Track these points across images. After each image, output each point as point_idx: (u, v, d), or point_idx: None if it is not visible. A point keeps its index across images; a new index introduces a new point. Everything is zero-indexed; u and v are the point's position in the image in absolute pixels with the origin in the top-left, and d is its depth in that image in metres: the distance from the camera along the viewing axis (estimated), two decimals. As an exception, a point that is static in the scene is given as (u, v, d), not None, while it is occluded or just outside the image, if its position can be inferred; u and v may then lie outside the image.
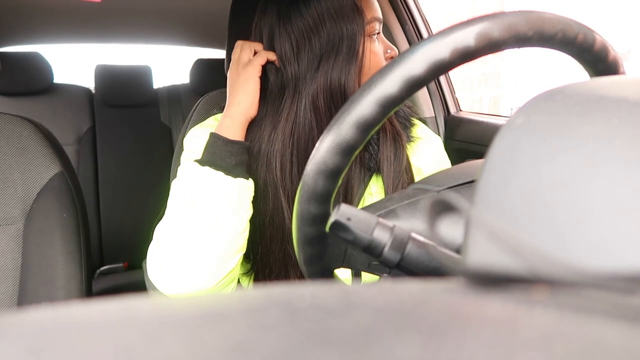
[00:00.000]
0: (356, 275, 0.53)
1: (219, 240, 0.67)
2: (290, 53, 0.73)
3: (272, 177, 0.74)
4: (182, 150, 0.80)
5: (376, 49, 0.75)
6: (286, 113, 0.74)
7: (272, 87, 0.76)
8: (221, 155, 0.69)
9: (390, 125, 0.79)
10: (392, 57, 0.77)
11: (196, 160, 0.69)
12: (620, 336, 0.13)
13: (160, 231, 0.69)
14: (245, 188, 0.69)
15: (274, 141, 0.74)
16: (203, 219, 0.67)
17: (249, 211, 0.71)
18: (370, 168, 0.77)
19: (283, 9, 0.73)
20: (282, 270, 0.76)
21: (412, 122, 0.85)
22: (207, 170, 0.68)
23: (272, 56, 0.74)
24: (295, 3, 0.72)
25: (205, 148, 0.70)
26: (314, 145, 0.70)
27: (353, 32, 0.72)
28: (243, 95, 0.72)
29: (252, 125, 0.76)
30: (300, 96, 0.73)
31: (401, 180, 0.77)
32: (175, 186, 0.71)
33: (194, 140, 0.78)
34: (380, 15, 0.76)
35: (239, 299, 0.16)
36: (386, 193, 0.76)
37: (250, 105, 0.73)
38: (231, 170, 0.69)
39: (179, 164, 0.78)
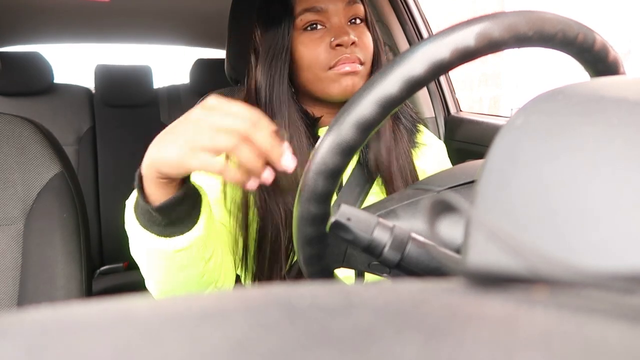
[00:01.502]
0: (359, 275, 0.53)
1: (176, 285, 0.59)
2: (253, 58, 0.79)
3: None
4: None
5: (309, 41, 0.73)
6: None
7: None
8: (149, 217, 0.52)
9: (390, 124, 0.79)
10: (338, 45, 0.72)
11: (134, 206, 0.54)
12: (620, 336, 0.13)
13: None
14: (188, 247, 0.54)
15: None
16: (152, 272, 0.58)
17: (201, 262, 0.57)
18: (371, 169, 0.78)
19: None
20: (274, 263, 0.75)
21: (418, 128, 0.85)
22: (140, 229, 0.54)
23: None
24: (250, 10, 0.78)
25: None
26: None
27: (280, 29, 0.73)
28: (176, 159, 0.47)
29: None
30: (260, 96, 0.76)
31: (403, 178, 0.77)
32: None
33: None
34: (320, 4, 0.73)
35: (239, 299, 0.16)
36: (387, 192, 0.77)
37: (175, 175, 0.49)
38: (165, 231, 0.53)
39: None
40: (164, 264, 0.55)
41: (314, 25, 0.74)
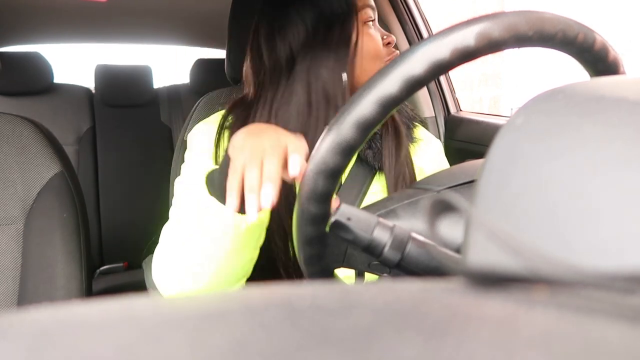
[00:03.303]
0: (359, 275, 0.53)
1: (223, 271, 0.63)
2: (281, 31, 0.75)
3: None
4: (183, 148, 0.80)
5: (372, 33, 0.77)
6: (280, 94, 0.75)
7: (266, 67, 0.76)
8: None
9: (391, 121, 0.80)
10: (389, 43, 0.79)
11: (207, 182, 0.62)
12: (620, 336, 0.13)
13: (167, 238, 0.67)
14: (255, 226, 0.62)
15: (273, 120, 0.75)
16: (209, 251, 0.62)
17: (256, 249, 0.65)
18: (374, 166, 0.78)
19: None
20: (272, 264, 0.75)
21: (414, 124, 0.86)
22: (214, 203, 0.60)
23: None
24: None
25: (215, 175, 0.62)
26: (309, 127, 0.72)
27: (345, 16, 0.75)
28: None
29: (244, 108, 0.78)
30: (295, 76, 0.74)
31: (402, 175, 0.78)
32: (185, 199, 0.67)
33: (198, 137, 0.78)
34: (373, 3, 0.78)
35: (239, 299, 0.16)
36: (388, 188, 0.77)
37: None
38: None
39: (180, 164, 0.79)
40: (229, 240, 0.60)
41: (370, 22, 0.78)
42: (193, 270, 0.64)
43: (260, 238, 0.65)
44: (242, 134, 0.59)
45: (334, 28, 0.75)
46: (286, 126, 0.72)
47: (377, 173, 0.79)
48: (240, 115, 0.79)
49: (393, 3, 1.39)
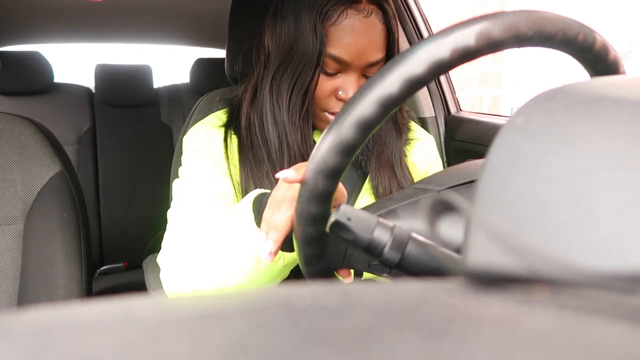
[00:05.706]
0: (357, 275, 0.53)
1: (232, 286, 0.63)
2: (266, 50, 0.77)
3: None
4: (182, 151, 0.80)
5: (323, 81, 0.73)
6: (257, 102, 0.79)
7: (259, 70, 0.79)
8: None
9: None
10: (341, 100, 0.74)
11: (254, 207, 0.61)
12: (620, 336, 0.13)
13: (182, 240, 0.67)
14: (272, 265, 0.61)
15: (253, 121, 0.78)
16: (225, 272, 0.62)
17: (272, 283, 0.64)
18: (362, 167, 0.78)
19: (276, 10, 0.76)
20: None
21: (409, 126, 0.87)
22: (254, 229, 0.59)
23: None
24: (281, 12, 0.75)
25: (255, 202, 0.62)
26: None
27: (307, 57, 0.71)
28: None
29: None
30: (261, 93, 0.77)
31: (387, 177, 0.78)
32: (198, 206, 0.68)
33: (195, 139, 0.78)
34: (347, 58, 0.71)
35: (239, 299, 0.16)
36: (372, 190, 0.77)
37: None
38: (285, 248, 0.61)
39: (180, 164, 0.79)
40: (264, 274, 0.61)
41: (333, 73, 0.73)
42: (204, 279, 0.64)
43: (278, 278, 0.64)
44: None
45: (297, 62, 0.72)
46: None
47: (369, 175, 0.80)
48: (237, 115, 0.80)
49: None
